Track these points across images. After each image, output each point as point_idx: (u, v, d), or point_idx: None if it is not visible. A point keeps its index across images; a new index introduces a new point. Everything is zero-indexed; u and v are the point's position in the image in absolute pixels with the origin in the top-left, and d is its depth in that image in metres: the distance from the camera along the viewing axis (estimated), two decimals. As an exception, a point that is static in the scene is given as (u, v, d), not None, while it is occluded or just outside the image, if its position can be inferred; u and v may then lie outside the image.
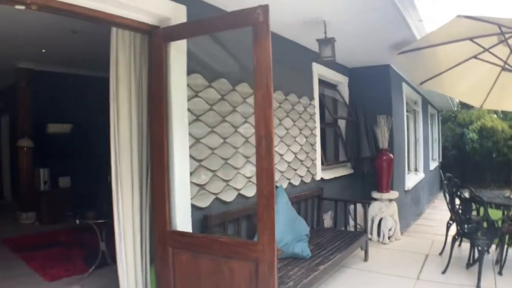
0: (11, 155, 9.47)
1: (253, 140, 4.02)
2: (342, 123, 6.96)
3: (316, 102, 5.71)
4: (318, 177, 5.63)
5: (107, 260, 4.77)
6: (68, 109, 8.42)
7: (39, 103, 7.87)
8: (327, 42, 4.55)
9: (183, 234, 3.07)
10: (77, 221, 4.63)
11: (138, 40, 3.22)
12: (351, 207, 6.16)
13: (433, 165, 12.46)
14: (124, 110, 3.12)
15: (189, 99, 3.29)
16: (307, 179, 5.33)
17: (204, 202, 3.45)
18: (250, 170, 3.93)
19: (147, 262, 3.27)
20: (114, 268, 4.69)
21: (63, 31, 5.58)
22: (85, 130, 8.68)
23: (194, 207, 3.30)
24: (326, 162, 6.13)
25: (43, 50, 6.81)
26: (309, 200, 5.34)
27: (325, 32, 4.52)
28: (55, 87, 8.18)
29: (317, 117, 5.70)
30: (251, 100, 4.02)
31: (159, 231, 3.07)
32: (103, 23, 2.97)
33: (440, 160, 14.54)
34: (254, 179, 4.07)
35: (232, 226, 3.79)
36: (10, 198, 10.07)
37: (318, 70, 5.82)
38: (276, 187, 3.78)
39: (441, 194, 6.33)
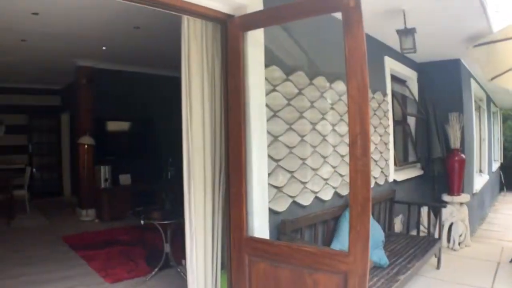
0: (71, 152, 9.65)
1: (331, 138, 3.81)
2: (411, 121, 6.51)
3: (389, 98, 5.32)
4: (391, 179, 5.24)
5: (170, 261, 4.60)
6: (128, 107, 8.44)
7: (99, 101, 7.91)
8: (407, 32, 4.18)
9: (261, 241, 2.81)
10: (142, 221, 4.47)
11: (210, 30, 2.99)
12: (422, 210, 5.73)
13: (495, 166, 11.66)
14: (197, 107, 2.88)
15: (266, 94, 3.02)
16: (381, 181, 4.95)
17: (282, 205, 3.18)
18: (327, 171, 3.63)
19: (218, 267, 3.06)
20: (177, 270, 4.59)
21: (126, 27, 5.51)
22: (144, 128, 8.69)
23: (271, 211, 3.04)
24: (399, 162, 5.72)
25: (104, 48, 6.80)
26: (382, 203, 4.96)
27: (405, 22, 4.14)
28: (115, 85, 8.22)
29: (390, 114, 5.30)
30: (328, 94, 3.72)
31: (235, 237, 2.83)
32: (175, 11, 2.76)
33: (501, 161, 13.61)
34: (331, 181, 3.81)
35: (309, 232, 3.50)
36: (69, 195, 10.30)
37: (390, 64, 5.43)
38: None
39: (501, 197, 5.79)
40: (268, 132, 3.02)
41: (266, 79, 3.00)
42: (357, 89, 2.30)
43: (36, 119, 10.50)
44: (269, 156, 3.02)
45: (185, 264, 3.03)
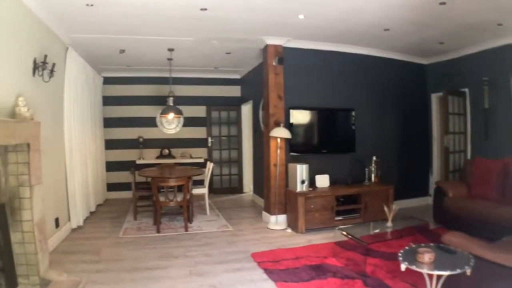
0: (256, 146, 8.63)
1: None
2: None
3: None
4: None
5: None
6: (324, 93, 6.96)
7: (289, 87, 6.57)
8: None
9: None
10: (403, 266, 2.80)
11: None
12: None
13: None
14: None
15: None
16: None
17: None
18: None
19: None
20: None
21: None
22: (343, 119, 7.10)
23: None
24: None
25: (301, 16, 5.35)
26: None
27: None
28: (306, 67, 6.82)
29: None
30: None
31: None
32: None
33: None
34: None
35: None
36: (250, 193, 9.37)
37: None
38: None
39: None
40: None
41: None
42: None
43: (215, 111, 9.76)
44: None
45: None
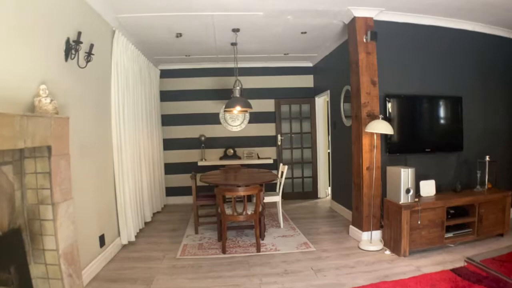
0: (334, 146, 7.31)
1: None
2: None
3: None
4: None
5: None
6: (425, 78, 5.51)
7: (384, 70, 5.21)
8: None
9: None
10: None
11: None
12: None
13: None
14: None
15: None
16: None
17: None
18: None
19: None
20: None
21: None
22: (451, 110, 5.61)
23: None
24: None
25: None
26: None
27: None
28: (403, 46, 5.41)
29: None
30: None
31: None
32: None
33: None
34: None
35: None
36: (326, 199, 8.07)
37: None
38: None
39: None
40: None
41: None
42: None
43: (284, 104, 8.51)
44: None
45: None
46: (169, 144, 8.28)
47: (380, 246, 4.90)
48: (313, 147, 8.47)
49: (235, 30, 5.83)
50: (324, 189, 8.43)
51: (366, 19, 5.12)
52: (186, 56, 7.46)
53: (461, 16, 5.39)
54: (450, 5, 4.93)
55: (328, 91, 7.42)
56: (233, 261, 4.56)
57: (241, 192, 4.71)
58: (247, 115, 8.38)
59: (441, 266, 4.20)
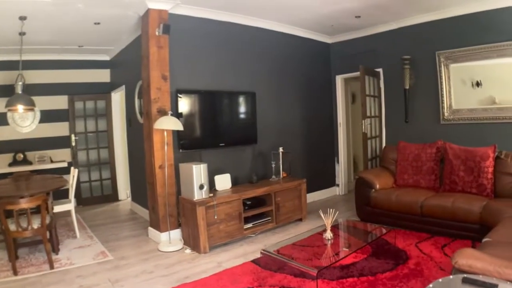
0: (131, 145, 6.93)
1: None
2: None
3: None
4: None
5: None
6: (219, 74, 5.65)
7: (177, 65, 5.11)
8: None
9: None
10: None
11: None
12: None
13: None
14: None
15: None
16: None
17: None
18: None
19: None
20: None
21: None
22: (248, 104, 5.86)
23: None
24: None
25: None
26: None
27: None
28: (198, 41, 5.41)
29: None
30: None
31: None
32: None
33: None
34: None
35: None
36: (127, 200, 7.67)
37: None
38: None
39: None
40: None
41: None
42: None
43: (79, 101, 7.73)
44: None
45: None
46: None
47: (180, 245, 4.81)
48: (110, 146, 7.94)
49: (22, 18, 4.95)
50: (125, 191, 8.02)
51: (160, 11, 4.93)
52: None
53: (260, 15, 5.70)
54: (246, 3, 5.08)
55: (124, 86, 7.01)
56: (25, 283, 3.83)
57: (23, 204, 4.01)
58: (38, 113, 7.31)
59: (242, 259, 4.33)
